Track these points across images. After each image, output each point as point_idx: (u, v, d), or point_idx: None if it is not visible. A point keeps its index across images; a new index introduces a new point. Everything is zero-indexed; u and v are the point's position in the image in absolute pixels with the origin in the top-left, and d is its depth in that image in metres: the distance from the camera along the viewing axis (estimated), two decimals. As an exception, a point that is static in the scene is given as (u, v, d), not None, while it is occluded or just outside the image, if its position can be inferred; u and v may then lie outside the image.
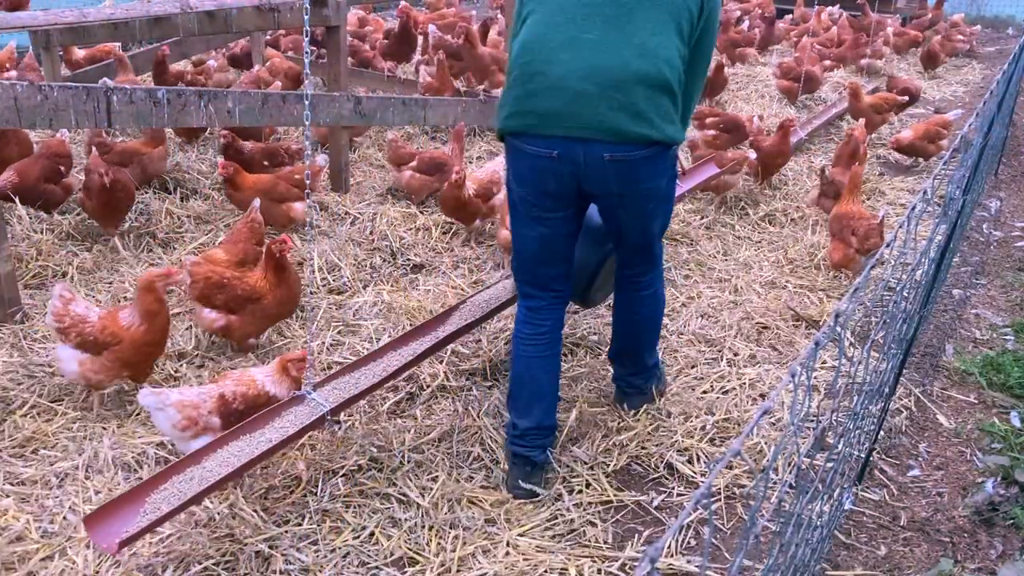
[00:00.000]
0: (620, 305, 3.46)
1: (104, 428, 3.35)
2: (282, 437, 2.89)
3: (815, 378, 3.88)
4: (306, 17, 2.80)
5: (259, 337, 3.96)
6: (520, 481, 3.11)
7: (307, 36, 2.77)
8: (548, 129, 2.86)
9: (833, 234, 4.92)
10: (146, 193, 5.49)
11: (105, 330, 3.36)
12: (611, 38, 2.78)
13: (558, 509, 3.04)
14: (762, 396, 3.73)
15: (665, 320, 4.20)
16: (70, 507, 2.92)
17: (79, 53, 7.68)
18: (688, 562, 2.82)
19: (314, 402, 3.08)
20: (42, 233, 4.88)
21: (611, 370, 3.68)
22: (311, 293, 4.43)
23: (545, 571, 2.75)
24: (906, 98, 7.91)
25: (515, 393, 3.20)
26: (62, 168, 5.07)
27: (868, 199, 6.27)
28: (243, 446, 2.87)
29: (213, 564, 2.72)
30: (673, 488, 3.21)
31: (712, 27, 2.98)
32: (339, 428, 3.37)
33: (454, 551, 2.81)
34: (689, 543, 2.94)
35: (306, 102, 2.86)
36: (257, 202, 4.55)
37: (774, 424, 3.53)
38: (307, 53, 2.81)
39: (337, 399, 3.11)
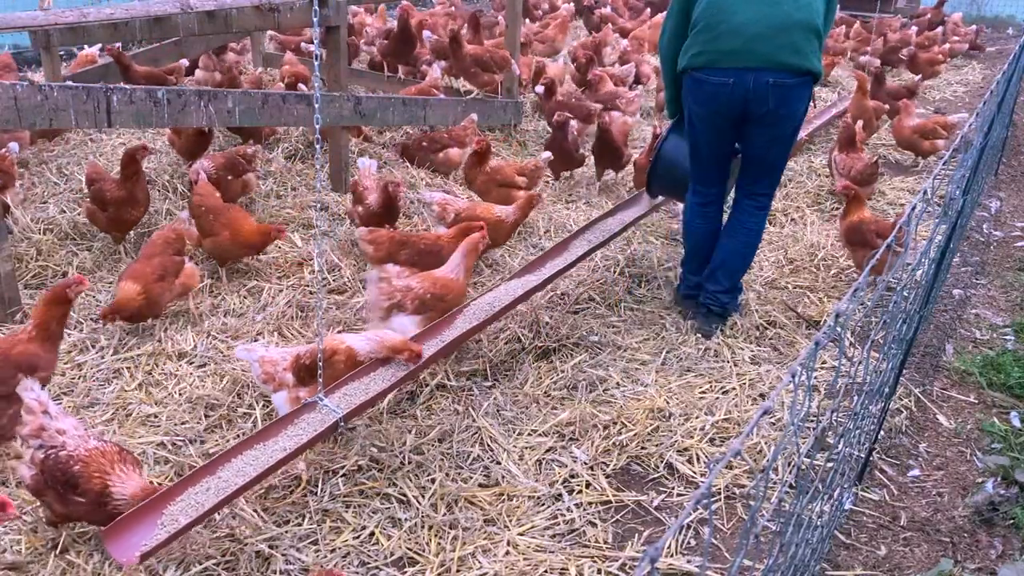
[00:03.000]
0: (735, 221, 4.27)
1: (105, 428, 3.36)
2: (297, 445, 2.86)
3: (815, 378, 3.87)
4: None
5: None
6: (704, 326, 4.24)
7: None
8: (728, 63, 3.85)
9: (854, 243, 4.74)
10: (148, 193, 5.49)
11: (436, 284, 3.86)
12: None
13: (558, 509, 3.05)
14: (762, 396, 3.73)
15: (664, 320, 4.19)
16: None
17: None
18: (688, 562, 2.82)
19: (326, 408, 3.05)
20: (42, 233, 4.88)
21: (704, 289, 4.35)
22: (310, 293, 4.46)
23: (545, 571, 2.75)
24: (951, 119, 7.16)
25: (690, 258, 4.42)
26: None
27: (869, 199, 6.26)
28: (258, 455, 2.84)
29: (213, 564, 2.72)
30: (673, 488, 3.21)
31: None
32: (352, 430, 3.37)
33: (454, 551, 2.82)
34: (689, 543, 2.94)
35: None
36: (185, 213, 4.53)
37: (774, 424, 3.53)
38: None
39: (349, 405, 3.08)
